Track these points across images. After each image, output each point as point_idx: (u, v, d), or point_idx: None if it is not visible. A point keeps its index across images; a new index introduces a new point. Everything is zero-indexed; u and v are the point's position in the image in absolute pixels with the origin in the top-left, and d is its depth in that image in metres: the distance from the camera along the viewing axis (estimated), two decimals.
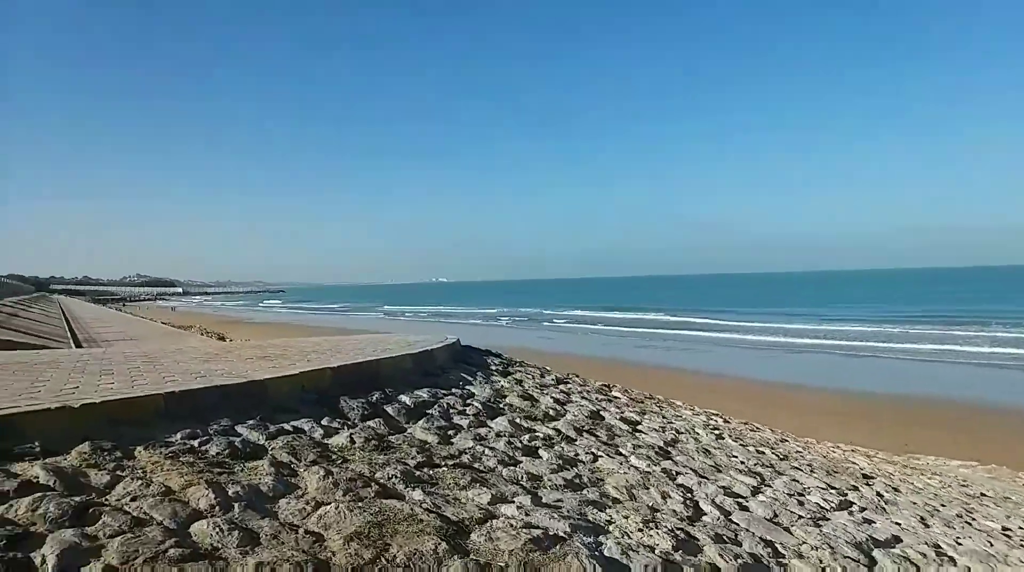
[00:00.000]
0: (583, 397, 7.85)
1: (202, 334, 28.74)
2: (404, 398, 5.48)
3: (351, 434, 4.30)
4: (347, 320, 56.49)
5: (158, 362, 6.44)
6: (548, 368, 10.07)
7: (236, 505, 2.96)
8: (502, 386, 7.12)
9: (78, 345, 20.75)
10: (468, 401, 6.00)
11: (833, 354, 27.72)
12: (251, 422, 4.11)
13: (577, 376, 10.21)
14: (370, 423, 4.68)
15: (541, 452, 4.98)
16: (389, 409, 5.11)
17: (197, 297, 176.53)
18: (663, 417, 8.13)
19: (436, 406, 5.49)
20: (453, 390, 6.27)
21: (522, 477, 4.18)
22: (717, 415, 9.89)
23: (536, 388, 7.61)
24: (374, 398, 5.25)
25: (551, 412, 6.42)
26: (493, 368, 8.32)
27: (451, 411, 5.50)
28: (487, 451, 4.56)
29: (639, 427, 6.90)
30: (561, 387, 8.20)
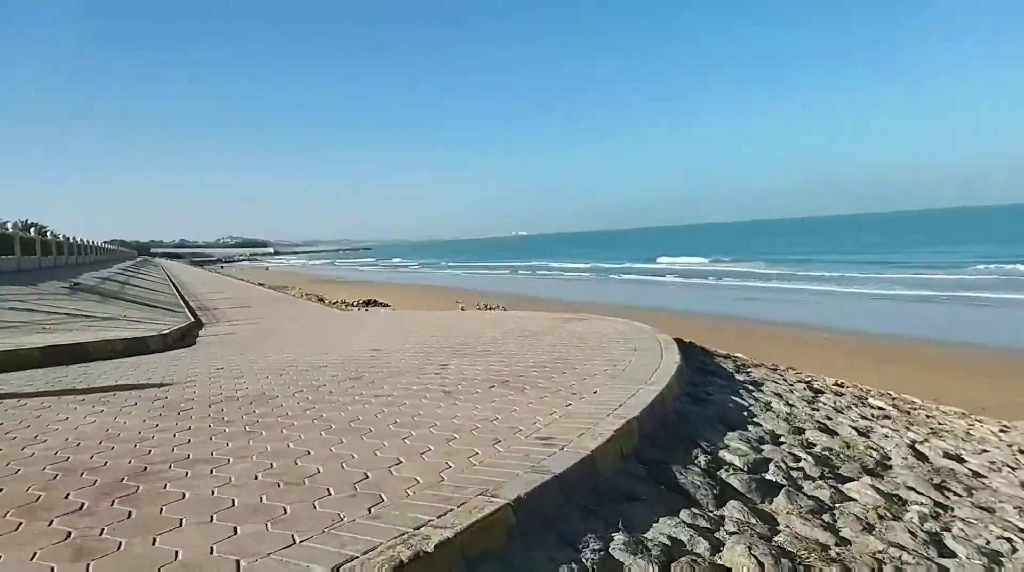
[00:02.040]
0: (862, 415, 6.11)
1: (316, 300, 28.11)
2: (727, 456, 3.88)
3: (740, 540, 2.74)
4: (490, 281, 55.25)
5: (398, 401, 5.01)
6: (776, 364, 8.34)
7: None
8: (779, 409, 5.45)
9: (193, 315, 20.22)
10: (776, 445, 4.37)
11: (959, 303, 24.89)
12: (619, 537, 2.60)
13: (805, 375, 8.44)
14: (729, 508, 3.12)
15: (949, 542, 3.34)
16: (734, 481, 3.52)
17: (288, 257, 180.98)
18: (952, 435, 6.32)
19: (772, 466, 3.87)
20: (749, 428, 4.64)
21: None
22: (969, 417, 7.94)
23: (808, 404, 5.92)
24: (701, 461, 3.67)
25: (872, 454, 4.72)
26: (739, 376, 6.65)
27: (784, 467, 3.88)
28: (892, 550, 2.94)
29: (967, 463, 5.15)
30: (824, 400, 6.47)
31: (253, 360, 7.14)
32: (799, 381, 7.30)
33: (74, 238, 52.49)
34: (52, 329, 10.75)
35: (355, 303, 34.09)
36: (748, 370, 7.27)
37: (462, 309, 19.04)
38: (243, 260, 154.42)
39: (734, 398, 5.41)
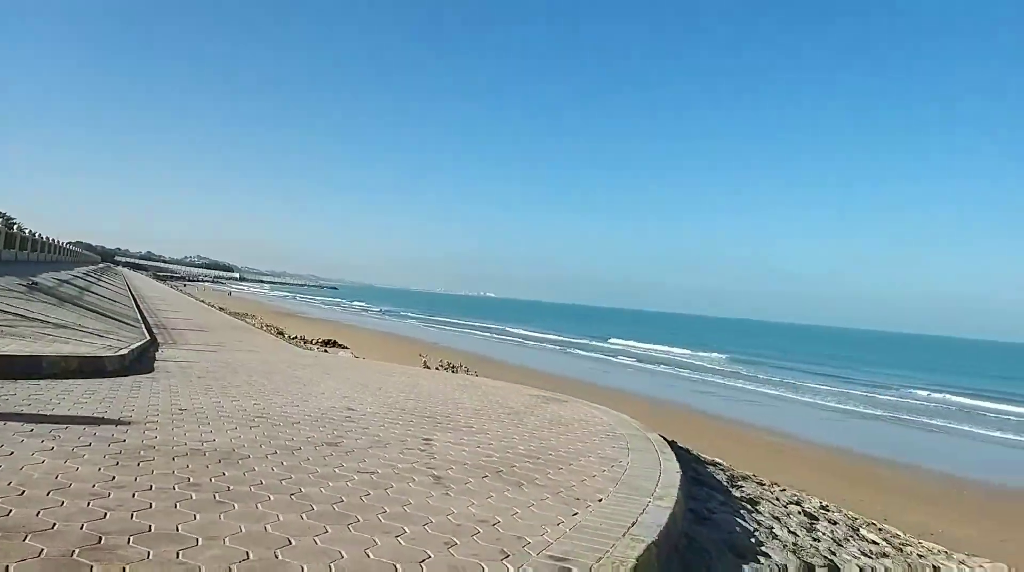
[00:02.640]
0: (861, 551, 5.77)
1: (275, 333, 27.16)
2: None
3: None
4: (452, 337, 54.51)
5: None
6: (760, 477, 8.02)
7: None
8: (784, 537, 5.09)
9: (150, 333, 19.49)
10: None
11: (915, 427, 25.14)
12: None
13: (787, 490, 8.12)
14: None
15: None
16: None
17: (252, 284, 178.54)
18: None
19: None
20: (759, 560, 4.27)
21: None
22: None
23: (807, 532, 5.58)
24: None
25: None
26: (734, 491, 6.30)
27: None
28: None
29: None
30: (822, 528, 6.13)
31: (218, 402, 6.62)
32: (790, 502, 6.96)
33: (38, 234, 51.09)
34: (2, 332, 10.08)
35: (315, 341, 33.50)
36: (740, 484, 6.92)
37: (426, 364, 18.57)
38: (206, 281, 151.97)
39: (737, 520, 5.05)
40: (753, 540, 4.65)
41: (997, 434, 25.03)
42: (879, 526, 7.82)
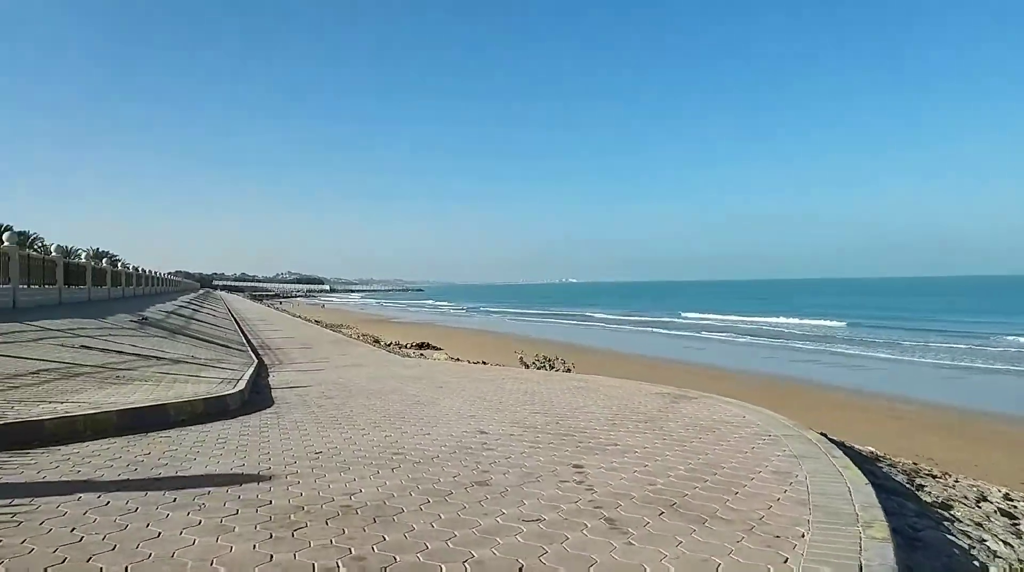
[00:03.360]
0: None
1: (372, 341, 27.23)
2: None
3: None
4: (541, 328, 54.42)
5: None
6: (930, 468, 7.25)
7: None
8: (1006, 555, 4.41)
9: (256, 355, 19.90)
10: None
11: None
12: None
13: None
14: None
15: None
16: None
17: (343, 294, 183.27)
18: None
19: None
20: None
21: None
22: None
23: (1016, 537, 4.86)
24: None
25: None
26: (921, 496, 5.62)
27: None
28: None
29: None
30: None
31: (348, 438, 6.37)
32: (978, 499, 6.20)
33: (141, 269, 53.52)
34: (125, 377, 10.24)
35: (409, 345, 33.81)
36: (920, 483, 6.21)
37: (523, 360, 18.15)
38: (300, 296, 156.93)
39: (947, 537, 4.40)
40: (977, 564, 4.00)
41: None
42: None
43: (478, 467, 5.12)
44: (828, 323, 53.15)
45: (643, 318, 65.31)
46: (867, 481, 4.78)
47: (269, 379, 13.35)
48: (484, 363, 24.14)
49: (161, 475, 4.88)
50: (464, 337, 42.87)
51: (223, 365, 14.91)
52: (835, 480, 4.79)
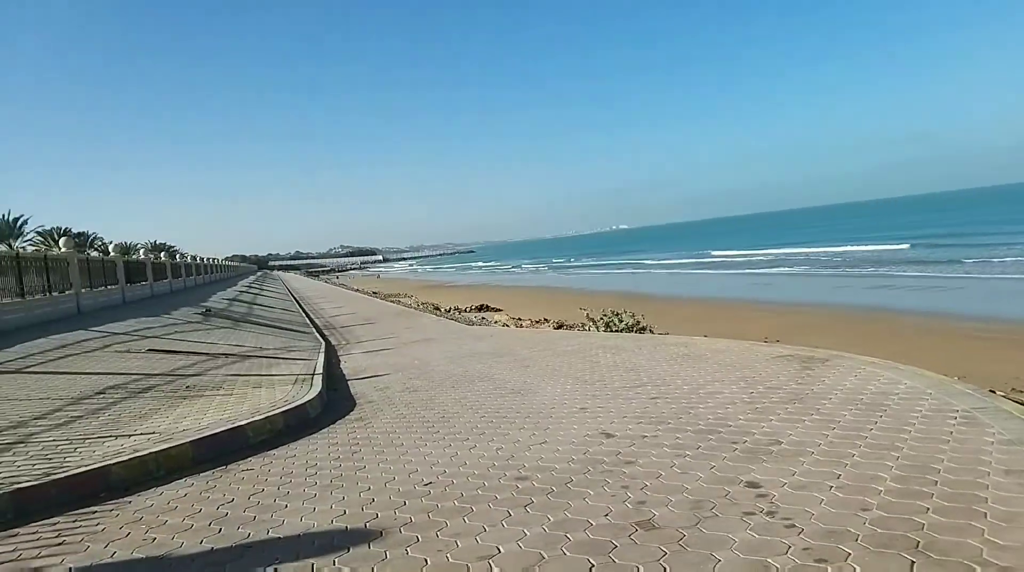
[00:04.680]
0: None
1: (432, 309, 26.24)
2: None
3: None
4: (597, 280, 53.41)
5: None
6: None
7: None
8: None
9: (323, 337, 19.39)
10: None
11: None
12: None
13: None
14: None
15: None
16: None
17: (396, 263, 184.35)
18: None
19: None
20: None
21: None
22: None
23: None
24: None
25: None
26: None
27: None
28: None
29: None
30: None
31: (455, 455, 5.48)
32: None
33: (199, 258, 53.92)
34: (196, 386, 9.58)
35: (469, 308, 33.19)
36: None
37: (589, 317, 17.09)
38: (354, 269, 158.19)
39: None
40: None
41: None
42: None
43: (628, 495, 4.14)
44: (891, 247, 50.86)
45: (698, 260, 63.64)
46: None
47: (342, 366, 12.67)
48: (546, 321, 23.34)
49: (251, 537, 4.03)
50: (521, 296, 42.11)
51: (293, 354, 14.31)
52: None
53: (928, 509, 3.53)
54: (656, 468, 4.59)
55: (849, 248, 54.98)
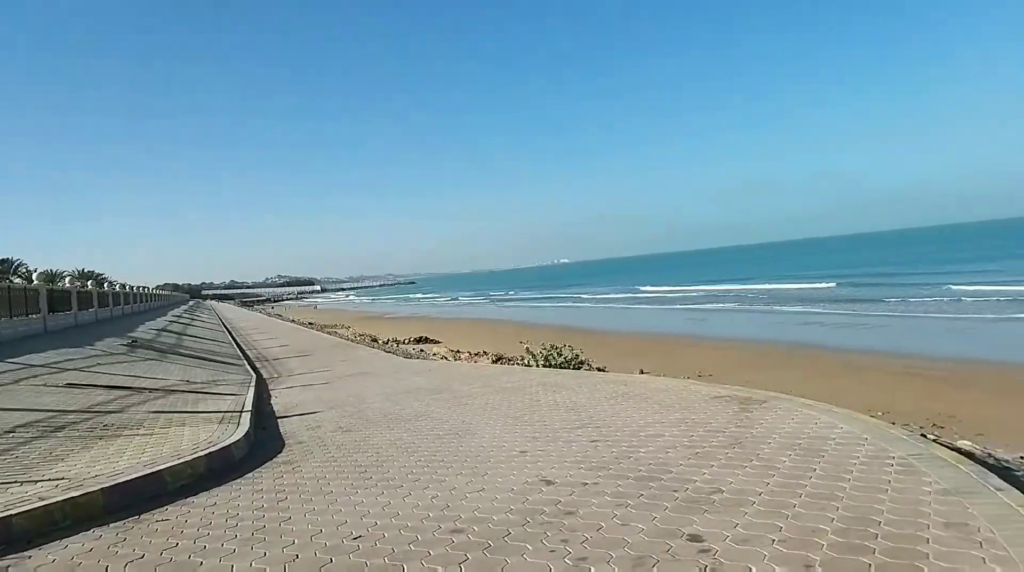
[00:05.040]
0: None
1: (370, 341, 25.58)
2: None
3: None
4: (537, 313, 53.43)
5: None
6: None
7: None
8: None
9: (254, 370, 18.78)
10: None
11: None
12: None
13: None
14: None
15: None
16: None
17: (335, 293, 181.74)
18: None
19: None
20: None
21: None
22: None
23: None
24: None
25: None
26: None
27: None
28: None
29: None
30: None
31: (388, 504, 5.23)
32: None
33: (128, 286, 52.01)
34: (114, 424, 9.06)
35: (407, 340, 32.79)
36: None
37: (529, 351, 17.00)
38: (291, 299, 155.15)
39: None
40: None
41: None
42: None
43: (568, 551, 3.97)
44: (818, 286, 52.57)
45: (635, 294, 64.71)
46: None
47: (272, 401, 12.23)
48: (486, 354, 23.17)
49: None
50: (461, 328, 41.93)
51: (221, 389, 13.77)
52: None
53: (871, 566, 3.47)
54: (597, 519, 4.44)
55: (778, 286, 56.52)
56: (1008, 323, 25.59)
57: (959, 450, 6.12)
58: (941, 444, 6.07)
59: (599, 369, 16.06)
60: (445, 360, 22.17)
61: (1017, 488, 4.60)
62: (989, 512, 4.05)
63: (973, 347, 20.69)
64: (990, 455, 6.71)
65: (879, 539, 3.79)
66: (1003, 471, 5.63)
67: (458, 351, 26.05)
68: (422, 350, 27.96)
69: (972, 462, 5.16)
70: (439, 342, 31.94)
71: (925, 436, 6.60)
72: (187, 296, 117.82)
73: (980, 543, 3.64)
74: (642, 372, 18.07)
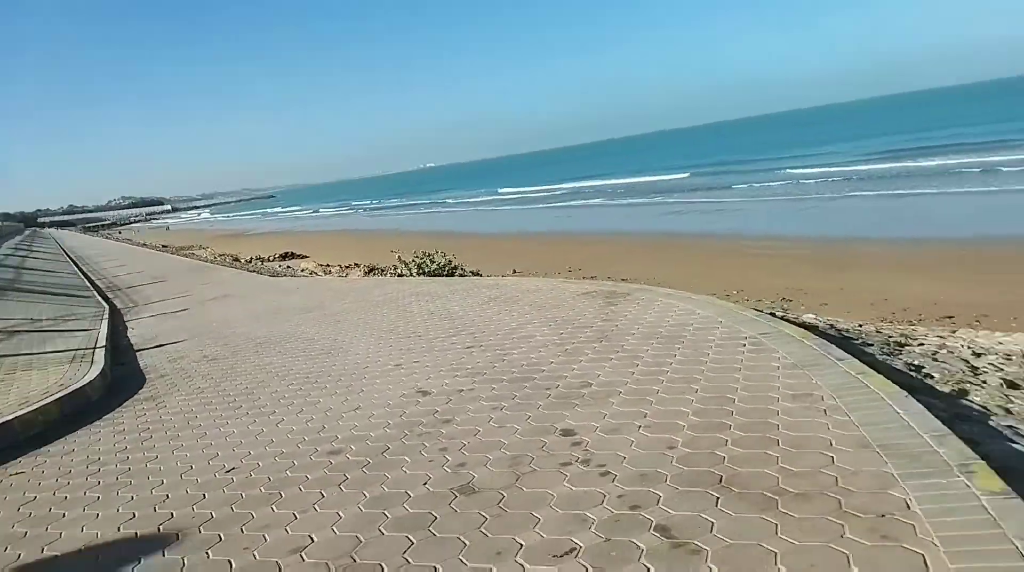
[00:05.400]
0: None
1: (238, 262, 24.48)
2: None
3: None
4: (408, 220, 52.57)
5: None
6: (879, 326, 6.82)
7: None
8: None
9: (106, 300, 17.63)
10: None
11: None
12: None
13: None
14: None
15: None
16: None
17: (187, 213, 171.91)
18: None
19: None
20: None
21: None
22: None
23: None
24: None
25: None
26: (933, 383, 5.05)
27: None
28: None
29: None
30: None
31: (261, 431, 5.11)
32: (965, 364, 5.79)
33: None
34: None
35: (272, 257, 31.73)
36: (896, 351, 5.71)
37: (400, 259, 16.82)
38: (139, 221, 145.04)
39: (1013, 447, 3.78)
40: None
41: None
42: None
43: (447, 459, 4.04)
44: (673, 177, 54.66)
45: (499, 196, 65.06)
46: (904, 392, 4.11)
47: (129, 334, 11.57)
48: (357, 266, 22.81)
49: (22, 559, 3.50)
50: (328, 240, 40.91)
51: (70, 325, 12.85)
52: (870, 399, 4.07)
53: (727, 441, 3.73)
54: (474, 425, 4.52)
55: (637, 179, 58.31)
56: (843, 200, 27.76)
57: (804, 325, 6.64)
58: (788, 321, 6.54)
59: (473, 273, 16.15)
60: (314, 275, 21.63)
61: (855, 356, 5.05)
62: (831, 382, 4.43)
63: (815, 225, 22.36)
64: (832, 326, 7.33)
65: (734, 415, 4.07)
66: (843, 341, 6.18)
67: (327, 265, 25.44)
68: (288, 266, 27.14)
69: (815, 336, 5.60)
70: (306, 257, 31.04)
71: (774, 314, 7.09)
72: (21, 226, 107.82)
73: (824, 411, 3.97)
74: (515, 272, 18.39)
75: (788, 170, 43.43)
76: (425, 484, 3.72)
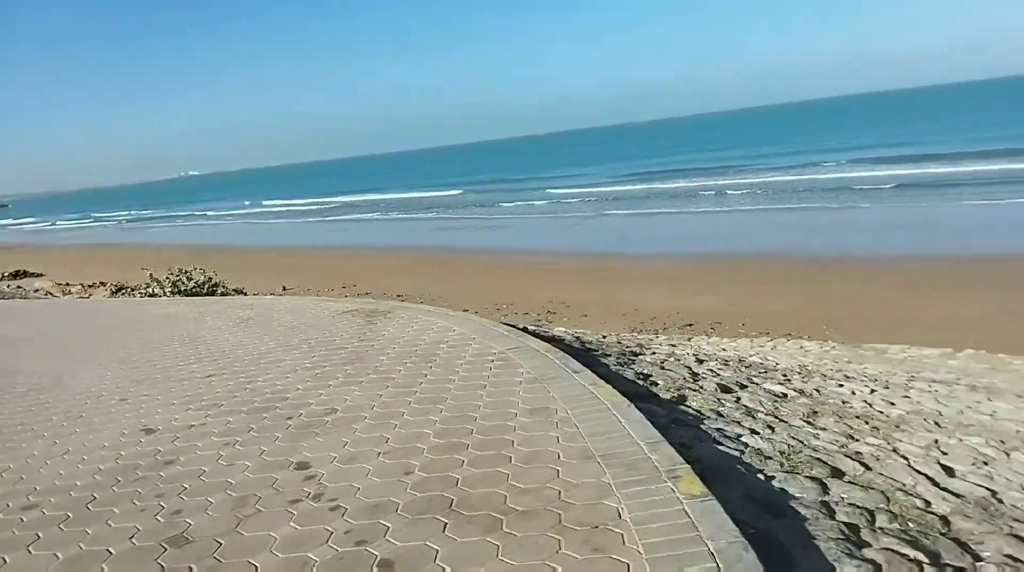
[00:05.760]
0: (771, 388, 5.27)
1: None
2: None
3: None
4: (160, 234, 48.03)
5: None
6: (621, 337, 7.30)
7: None
8: (768, 444, 4.32)
9: None
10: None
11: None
12: None
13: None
14: None
15: None
16: None
17: None
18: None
19: None
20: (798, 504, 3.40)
21: None
22: None
23: (774, 405, 4.91)
24: None
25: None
26: (655, 389, 5.43)
27: None
28: None
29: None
30: (776, 390, 5.53)
31: None
32: (686, 371, 6.33)
33: None
34: None
35: (2, 275, 27.89)
36: (630, 361, 6.12)
37: (152, 277, 15.51)
38: None
39: (717, 448, 4.14)
40: (763, 477, 3.77)
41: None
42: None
43: (162, 506, 3.64)
44: (448, 193, 55.85)
45: (265, 209, 62.73)
46: (628, 402, 4.37)
47: None
48: (102, 285, 20.64)
49: None
50: (71, 256, 36.80)
51: None
52: (598, 409, 4.29)
53: (463, 462, 3.71)
54: (200, 464, 4.14)
55: (412, 194, 58.72)
56: (601, 218, 29.91)
57: (552, 338, 6.91)
58: (538, 335, 6.77)
59: (237, 291, 15.22)
60: (51, 296, 19.25)
61: (592, 368, 5.32)
62: (565, 393, 4.61)
63: (577, 241, 23.78)
64: (578, 338, 7.70)
65: (474, 433, 4.08)
66: (584, 353, 6.50)
67: (67, 284, 22.77)
68: (19, 286, 23.98)
69: (559, 349, 5.83)
70: (42, 275, 27.60)
71: (526, 329, 7.32)
72: None
73: (556, 423, 4.11)
74: (284, 289, 17.60)
75: (550, 190, 45.97)
76: (131, 538, 3.31)
